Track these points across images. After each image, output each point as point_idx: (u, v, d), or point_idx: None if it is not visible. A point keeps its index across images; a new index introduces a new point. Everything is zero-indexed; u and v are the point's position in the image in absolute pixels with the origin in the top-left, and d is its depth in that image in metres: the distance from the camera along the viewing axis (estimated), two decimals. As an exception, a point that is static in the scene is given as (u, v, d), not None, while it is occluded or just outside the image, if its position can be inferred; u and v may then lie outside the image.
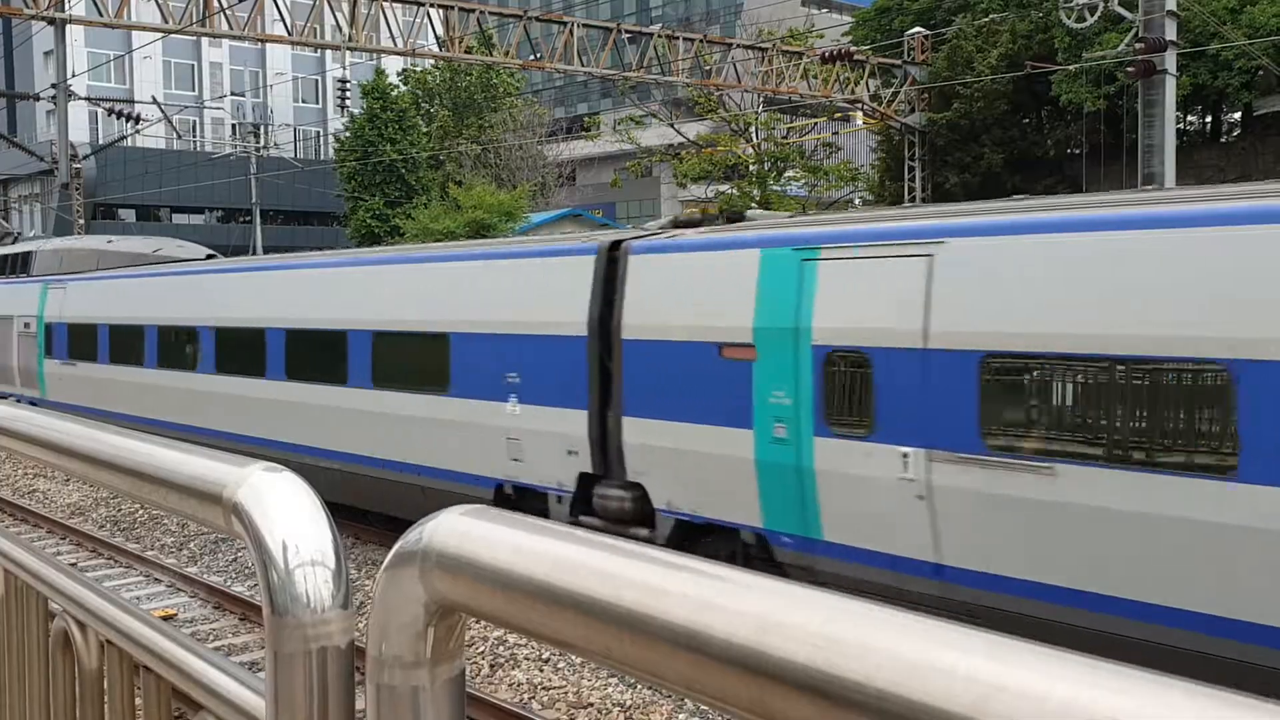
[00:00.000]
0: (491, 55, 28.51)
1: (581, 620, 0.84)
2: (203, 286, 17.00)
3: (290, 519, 1.19)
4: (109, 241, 22.85)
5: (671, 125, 44.35)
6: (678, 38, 30.03)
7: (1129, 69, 21.49)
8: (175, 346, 17.18)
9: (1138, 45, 20.87)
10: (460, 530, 0.97)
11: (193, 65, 59.76)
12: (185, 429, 16.47)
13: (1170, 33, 20.67)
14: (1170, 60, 20.65)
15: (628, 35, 29.92)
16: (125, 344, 18.57)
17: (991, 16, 31.38)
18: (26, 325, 22.11)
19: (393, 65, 52.16)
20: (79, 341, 20.02)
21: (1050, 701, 0.60)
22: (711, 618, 0.75)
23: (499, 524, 0.96)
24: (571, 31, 27.82)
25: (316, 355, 14.19)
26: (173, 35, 28.75)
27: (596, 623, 0.83)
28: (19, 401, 17.47)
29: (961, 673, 0.63)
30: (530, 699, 8.75)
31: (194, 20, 23.79)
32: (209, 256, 21.97)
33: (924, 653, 0.65)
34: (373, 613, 1.03)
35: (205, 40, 54.72)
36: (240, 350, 15.51)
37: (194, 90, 58.96)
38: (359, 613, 7.88)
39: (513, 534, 0.93)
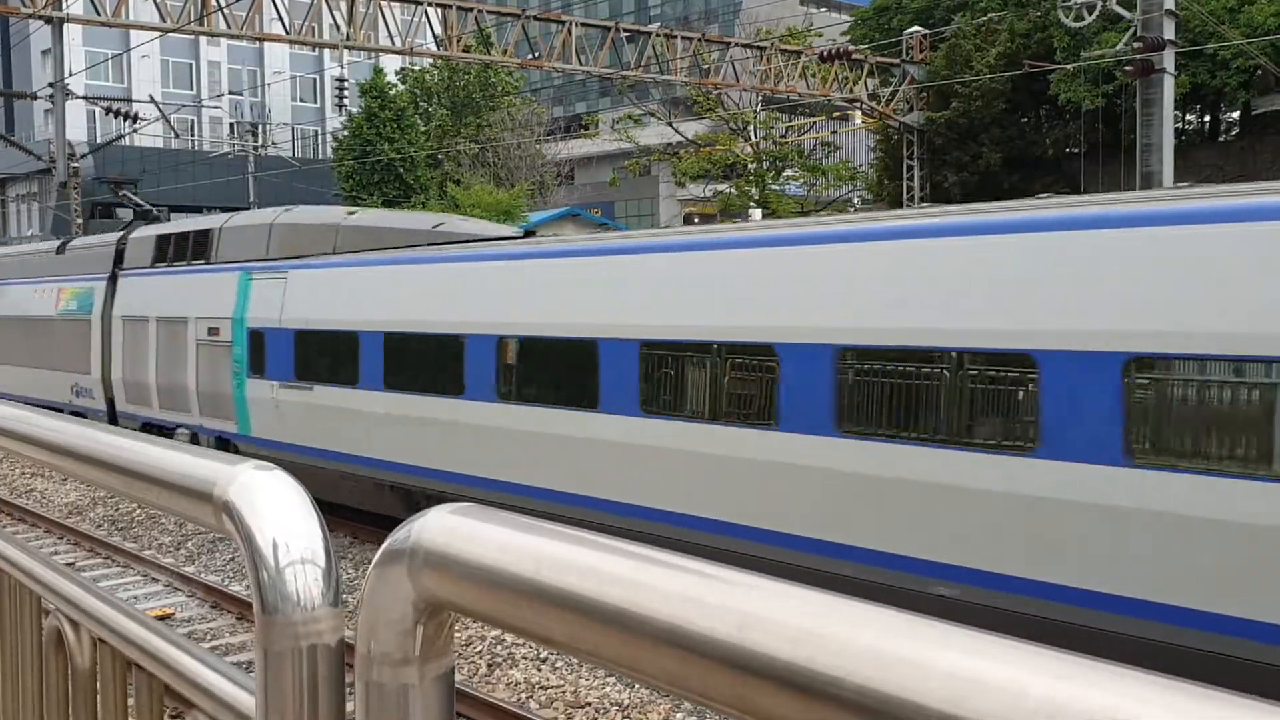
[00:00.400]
0: (490, 54, 28.50)
1: (568, 617, 0.85)
2: (613, 273, 10.66)
3: (280, 517, 1.19)
4: (350, 214, 16.11)
5: (670, 124, 44.33)
6: (676, 36, 30.03)
7: (1127, 68, 21.49)
8: (549, 369, 11.03)
9: (1136, 44, 20.88)
10: (448, 528, 0.97)
11: (191, 64, 59.71)
12: (579, 501, 10.67)
13: (1168, 32, 20.67)
14: (1168, 59, 20.65)
15: (626, 34, 29.91)
16: (427, 362, 12.37)
17: (990, 15, 31.38)
18: (212, 331, 15.75)
19: (391, 64, 52.13)
20: (319, 355, 13.89)
21: (1029, 697, 0.60)
22: (694, 614, 0.76)
23: (487, 522, 0.96)
24: (570, 30, 27.81)
25: (919, 393, 8.13)
26: (170, 34, 28.74)
27: (582, 620, 0.83)
28: (198, 437, 15.14)
29: (941, 668, 0.63)
30: (528, 698, 8.75)
31: (191, 19, 23.77)
32: (528, 234, 15.82)
33: (904, 648, 0.65)
34: (362, 611, 1.03)
35: (203, 39, 54.70)
36: (709, 376, 9.56)
37: (192, 89, 58.92)
38: (353, 611, 7.87)
39: (500, 531, 0.93)
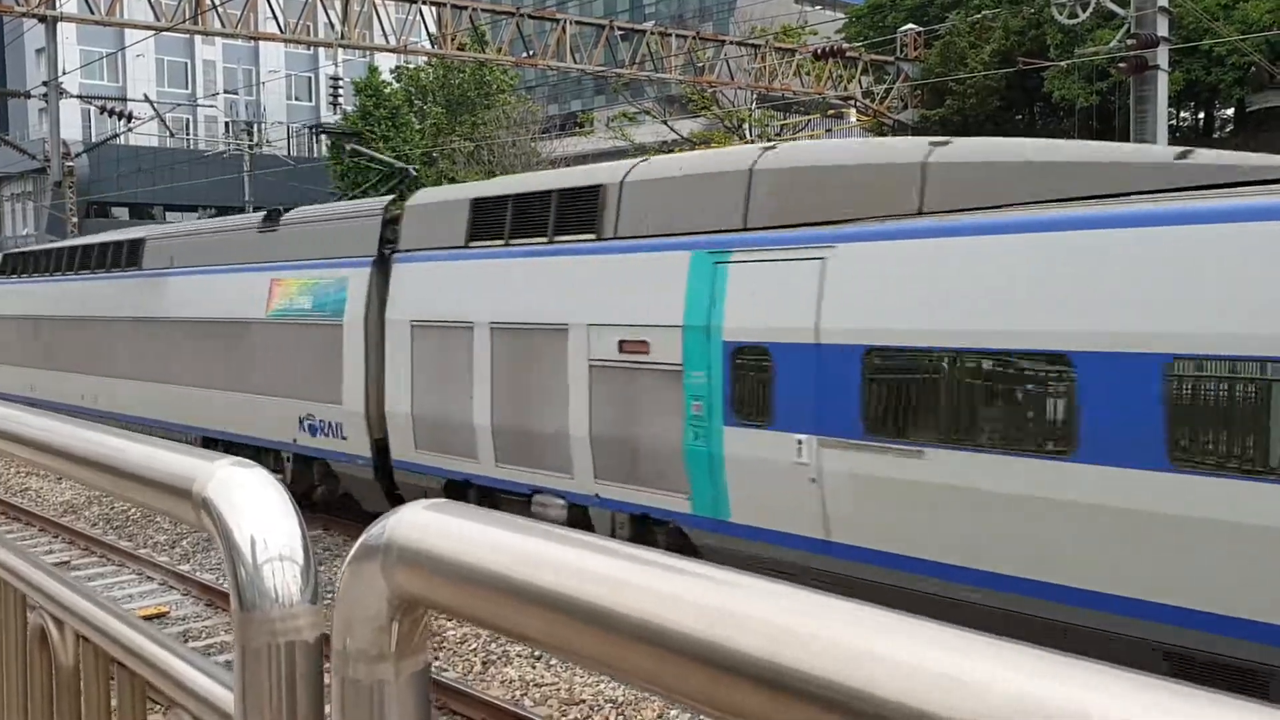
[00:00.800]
0: (484, 52, 28.50)
1: (541, 614, 0.84)
2: None
3: (259, 514, 1.19)
4: (937, 144, 9.20)
5: (665, 123, 44.34)
6: (670, 35, 30.03)
7: (1121, 65, 21.51)
8: None
9: (1130, 41, 20.89)
10: (421, 524, 0.97)
11: (186, 63, 59.65)
12: None
13: (1162, 29, 20.68)
14: (1162, 56, 20.67)
15: (620, 32, 29.90)
16: None
17: (984, 13, 31.40)
18: (628, 347, 10.21)
19: (386, 62, 52.11)
20: (938, 395, 8.17)
21: (994, 691, 0.60)
22: (666, 610, 0.75)
23: (460, 517, 0.96)
24: (564, 28, 27.80)
25: None
26: (165, 33, 28.70)
27: (555, 616, 0.83)
28: (587, 514, 10.96)
29: (909, 663, 0.63)
30: (523, 696, 8.76)
31: (186, 17, 23.75)
32: None
33: (871, 643, 0.65)
34: (337, 607, 1.03)
35: (198, 38, 54.67)
36: None
37: (187, 88, 58.86)
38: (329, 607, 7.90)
39: (473, 527, 0.93)
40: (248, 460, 1.27)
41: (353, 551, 1.02)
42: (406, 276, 12.59)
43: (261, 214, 15.78)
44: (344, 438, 13.29)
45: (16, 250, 24.33)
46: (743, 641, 0.70)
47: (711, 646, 0.72)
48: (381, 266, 12.97)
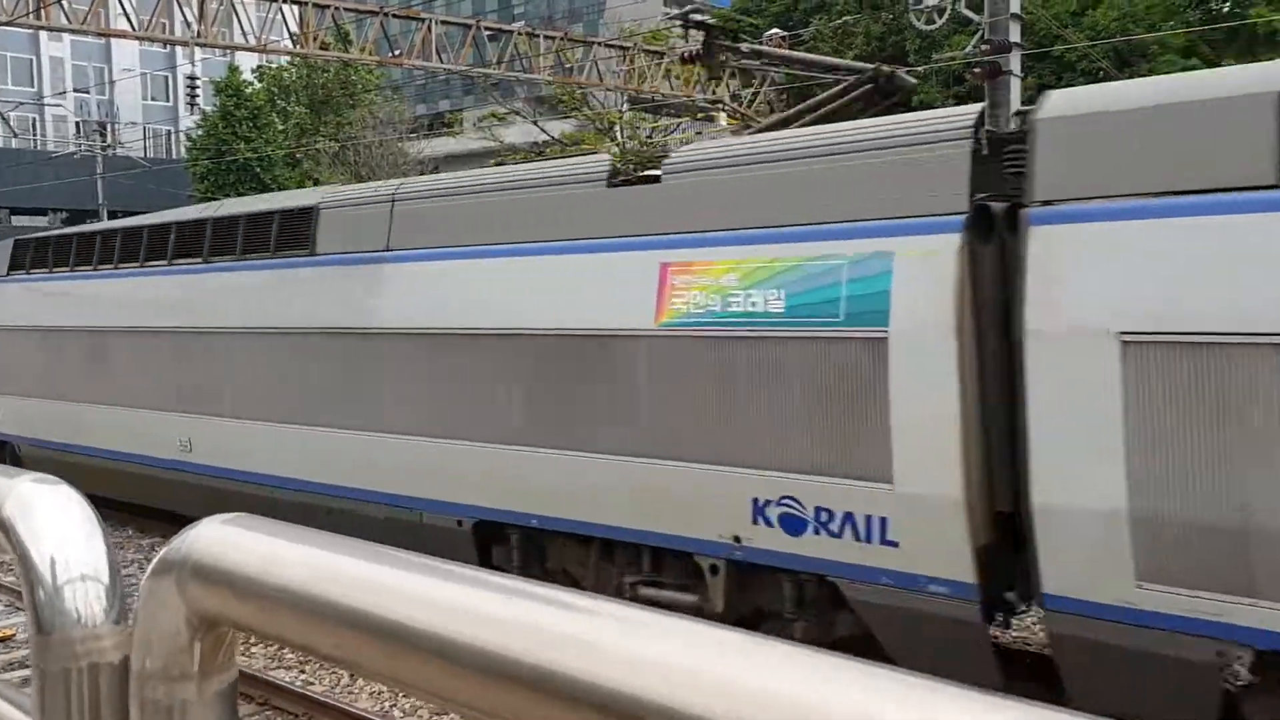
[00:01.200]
0: (348, 51, 28.02)
1: (340, 631, 0.82)
2: None
3: (60, 533, 1.13)
4: None
5: (535, 123, 44.25)
6: (539, 35, 29.96)
7: (976, 70, 22.20)
8: None
9: (983, 47, 21.58)
10: (219, 538, 0.93)
11: (31, 59, 57.22)
12: None
13: (1014, 35, 21.41)
14: (1015, 62, 21.39)
15: (488, 32, 29.72)
16: None
17: (846, 18, 32.11)
18: None
19: (247, 62, 50.84)
20: None
21: (800, 704, 0.60)
22: (463, 625, 0.74)
23: (257, 532, 0.92)
24: (430, 28, 27.50)
25: None
26: (6, 29, 27.48)
27: (354, 633, 0.81)
28: None
29: (690, 671, 0.62)
30: (392, 706, 8.63)
31: (28, 11, 22.75)
32: None
33: (644, 648, 0.64)
34: (136, 626, 0.99)
35: (45, 34, 52.51)
36: None
37: (33, 86, 56.49)
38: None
39: (269, 542, 0.90)
40: (49, 476, 1.21)
41: (150, 567, 0.98)
42: (1087, 249, 6.51)
43: (602, 164, 9.40)
44: (889, 542, 7.24)
45: (32, 236, 16.54)
46: (527, 651, 0.68)
47: (504, 660, 0.70)
48: (980, 232, 7.16)
